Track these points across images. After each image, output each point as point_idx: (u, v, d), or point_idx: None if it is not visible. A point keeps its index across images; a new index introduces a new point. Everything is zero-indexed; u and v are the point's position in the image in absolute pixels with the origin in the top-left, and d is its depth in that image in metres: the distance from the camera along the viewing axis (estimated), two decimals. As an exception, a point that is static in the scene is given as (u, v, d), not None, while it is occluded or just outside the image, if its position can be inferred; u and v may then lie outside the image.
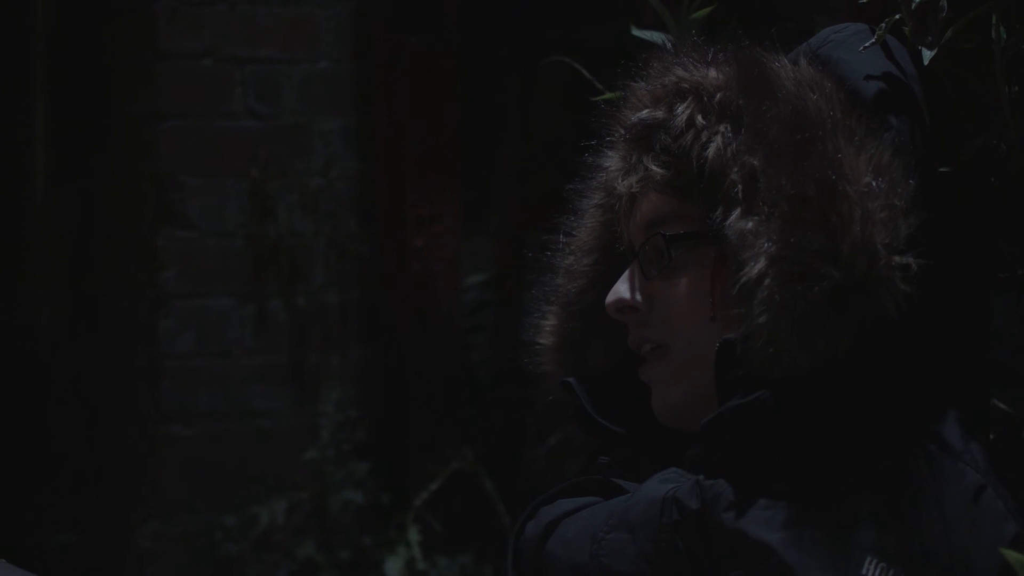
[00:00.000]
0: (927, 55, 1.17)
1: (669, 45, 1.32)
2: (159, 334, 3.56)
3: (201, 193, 3.60)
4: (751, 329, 1.08)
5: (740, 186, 1.11)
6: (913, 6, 1.20)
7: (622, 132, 1.22)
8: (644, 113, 1.19)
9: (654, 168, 1.17)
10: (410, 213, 3.70)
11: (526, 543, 1.16)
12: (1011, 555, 0.90)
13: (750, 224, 1.09)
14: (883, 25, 1.20)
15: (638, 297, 1.20)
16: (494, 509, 3.52)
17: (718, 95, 1.15)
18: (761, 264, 1.07)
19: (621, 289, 1.20)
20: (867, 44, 1.19)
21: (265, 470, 3.63)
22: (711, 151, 1.13)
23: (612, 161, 1.24)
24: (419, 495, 3.50)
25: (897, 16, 1.21)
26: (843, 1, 1.29)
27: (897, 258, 1.06)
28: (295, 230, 3.70)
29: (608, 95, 1.33)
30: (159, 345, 3.56)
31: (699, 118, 1.15)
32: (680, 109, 1.16)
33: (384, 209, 3.76)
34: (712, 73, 1.17)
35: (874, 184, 1.07)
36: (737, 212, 1.11)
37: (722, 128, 1.14)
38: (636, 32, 1.44)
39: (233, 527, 3.57)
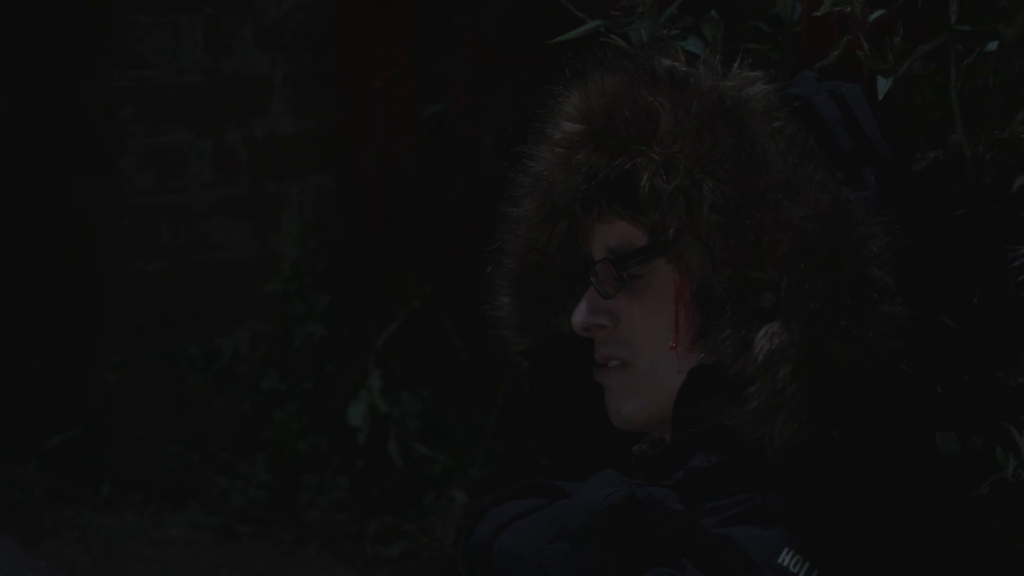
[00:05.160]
0: (883, 84, 1.20)
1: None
2: (119, 172, 3.57)
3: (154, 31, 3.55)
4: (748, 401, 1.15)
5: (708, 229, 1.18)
6: (868, 25, 1.22)
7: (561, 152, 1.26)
8: (595, 162, 1.23)
9: (617, 208, 1.22)
10: (366, 54, 3.68)
11: (476, 545, 1.25)
12: None
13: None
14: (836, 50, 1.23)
15: (599, 319, 1.26)
16: (453, 347, 3.61)
17: (675, 146, 1.18)
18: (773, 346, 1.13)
19: (581, 310, 1.27)
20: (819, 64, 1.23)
21: (227, 302, 3.71)
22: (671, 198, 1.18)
23: (551, 172, 1.28)
24: (379, 335, 3.59)
25: (848, 38, 1.23)
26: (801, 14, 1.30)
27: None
28: (251, 64, 3.68)
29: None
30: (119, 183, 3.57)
31: (658, 181, 1.18)
32: (636, 166, 1.20)
33: (339, 43, 3.73)
34: (666, 120, 1.20)
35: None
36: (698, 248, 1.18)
37: (682, 182, 1.18)
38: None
39: (198, 358, 3.66)
